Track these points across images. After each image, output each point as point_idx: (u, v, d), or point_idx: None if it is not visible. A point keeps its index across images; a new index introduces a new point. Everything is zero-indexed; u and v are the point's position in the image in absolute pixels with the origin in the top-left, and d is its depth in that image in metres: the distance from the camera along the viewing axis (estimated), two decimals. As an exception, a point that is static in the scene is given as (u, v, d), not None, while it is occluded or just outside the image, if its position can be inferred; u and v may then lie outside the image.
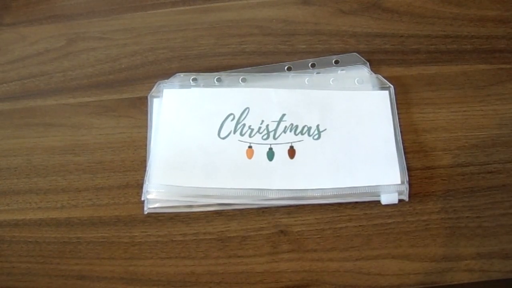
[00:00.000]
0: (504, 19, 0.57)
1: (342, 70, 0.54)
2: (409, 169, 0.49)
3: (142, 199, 0.49)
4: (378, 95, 0.52)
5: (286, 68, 0.55)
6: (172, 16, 0.61)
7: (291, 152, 0.50)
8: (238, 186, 0.48)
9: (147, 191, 0.49)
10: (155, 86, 0.54)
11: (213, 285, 0.46)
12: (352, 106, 0.52)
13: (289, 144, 0.50)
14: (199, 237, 0.48)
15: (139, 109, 0.55)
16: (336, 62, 0.55)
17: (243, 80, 0.54)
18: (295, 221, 0.48)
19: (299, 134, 0.50)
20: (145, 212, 0.49)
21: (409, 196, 0.48)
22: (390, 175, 0.48)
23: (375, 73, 0.54)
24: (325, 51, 0.57)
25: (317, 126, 0.51)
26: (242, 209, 0.49)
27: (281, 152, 0.50)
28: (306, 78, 0.53)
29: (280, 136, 0.50)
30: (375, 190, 0.48)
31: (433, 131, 0.51)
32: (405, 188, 0.47)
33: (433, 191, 0.48)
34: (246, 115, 0.52)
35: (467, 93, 0.53)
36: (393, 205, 0.48)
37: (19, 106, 0.56)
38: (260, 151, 0.50)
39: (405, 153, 0.50)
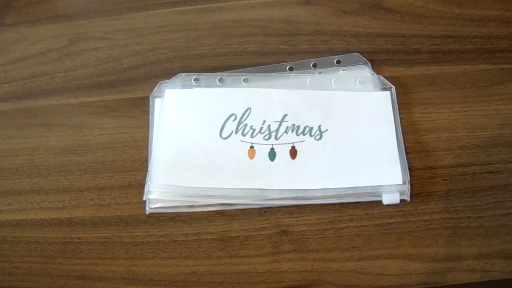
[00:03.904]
0: (506, 19, 0.57)
1: (343, 70, 0.54)
2: (410, 169, 0.49)
3: (144, 199, 0.49)
4: (380, 96, 0.52)
5: (287, 68, 0.55)
6: (174, 16, 0.61)
7: (293, 152, 0.50)
8: (239, 186, 0.48)
9: (148, 191, 0.49)
10: (157, 86, 0.54)
11: (215, 285, 0.46)
12: (354, 107, 0.52)
13: (291, 145, 0.50)
14: (201, 237, 0.48)
15: (141, 109, 0.55)
16: (338, 62, 0.55)
17: (245, 80, 0.54)
18: (297, 221, 0.48)
19: (301, 135, 0.50)
20: (147, 212, 0.49)
21: (411, 196, 0.48)
22: (392, 175, 0.48)
23: (376, 73, 0.54)
24: (326, 51, 0.57)
25: (319, 126, 0.51)
26: (244, 209, 0.49)
27: (282, 152, 0.50)
28: (308, 78, 0.53)
29: (282, 137, 0.50)
30: (377, 190, 0.48)
31: (434, 131, 0.51)
32: (406, 188, 0.47)
33: (434, 191, 0.48)
34: (248, 115, 0.52)
35: (469, 93, 0.53)
36: (395, 205, 0.48)
37: (20, 106, 0.56)
38: (262, 151, 0.50)
39: (406, 153, 0.50)
